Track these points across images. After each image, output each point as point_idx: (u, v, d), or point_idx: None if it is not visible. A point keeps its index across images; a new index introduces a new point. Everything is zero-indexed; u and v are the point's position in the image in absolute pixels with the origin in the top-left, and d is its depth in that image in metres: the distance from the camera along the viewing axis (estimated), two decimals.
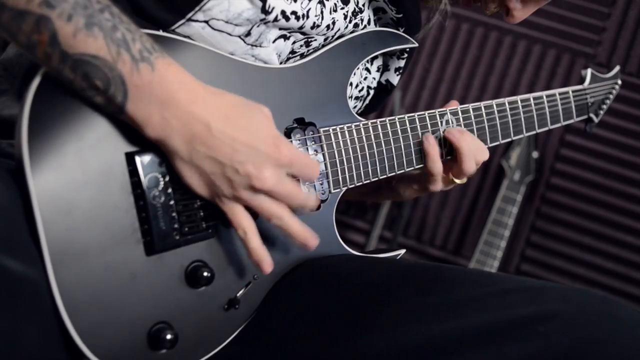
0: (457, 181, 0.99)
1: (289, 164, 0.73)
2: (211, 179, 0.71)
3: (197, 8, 0.76)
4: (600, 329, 0.63)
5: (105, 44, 0.65)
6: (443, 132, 0.97)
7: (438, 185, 0.99)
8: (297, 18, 0.83)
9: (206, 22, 0.77)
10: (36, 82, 0.66)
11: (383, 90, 1.08)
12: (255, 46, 0.83)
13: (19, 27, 0.64)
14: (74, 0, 0.64)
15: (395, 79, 1.07)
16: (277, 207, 0.74)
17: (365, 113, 1.11)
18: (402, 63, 1.05)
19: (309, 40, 0.90)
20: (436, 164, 0.95)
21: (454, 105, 1.00)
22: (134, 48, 0.67)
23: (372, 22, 0.99)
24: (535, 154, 2.29)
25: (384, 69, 1.07)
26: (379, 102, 1.10)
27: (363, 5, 0.95)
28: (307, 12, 0.85)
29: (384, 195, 1.12)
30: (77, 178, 0.67)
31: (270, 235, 0.82)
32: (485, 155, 0.99)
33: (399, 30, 0.98)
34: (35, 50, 0.65)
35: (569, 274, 2.33)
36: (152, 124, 0.68)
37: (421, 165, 0.97)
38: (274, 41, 0.86)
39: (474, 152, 0.96)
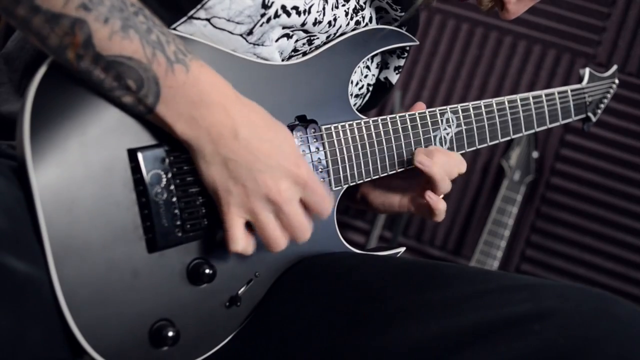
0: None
1: (304, 184, 0.74)
2: (227, 184, 0.71)
3: (199, 6, 0.76)
4: (596, 328, 0.62)
5: (140, 46, 0.66)
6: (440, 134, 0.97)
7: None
8: (299, 13, 0.83)
9: (208, 20, 0.77)
10: (38, 76, 0.66)
11: (382, 87, 1.08)
12: (257, 45, 0.83)
13: (51, 30, 0.63)
14: (110, 3, 0.64)
15: (394, 78, 1.07)
16: (279, 235, 0.74)
17: (364, 110, 1.11)
18: (401, 62, 1.06)
19: (312, 38, 0.90)
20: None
21: (421, 108, 0.97)
22: (169, 50, 0.68)
23: (373, 21, 0.99)
24: (535, 154, 2.29)
25: (383, 66, 1.07)
26: (377, 99, 1.09)
27: (364, 3, 0.95)
28: (310, 7, 0.85)
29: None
30: (79, 174, 0.66)
31: None
32: (462, 167, 0.95)
33: (401, 29, 0.99)
34: (65, 52, 0.65)
35: (569, 274, 2.33)
36: (180, 123, 0.69)
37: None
38: (276, 40, 0.86)
39: (448, 172, 0.93)
